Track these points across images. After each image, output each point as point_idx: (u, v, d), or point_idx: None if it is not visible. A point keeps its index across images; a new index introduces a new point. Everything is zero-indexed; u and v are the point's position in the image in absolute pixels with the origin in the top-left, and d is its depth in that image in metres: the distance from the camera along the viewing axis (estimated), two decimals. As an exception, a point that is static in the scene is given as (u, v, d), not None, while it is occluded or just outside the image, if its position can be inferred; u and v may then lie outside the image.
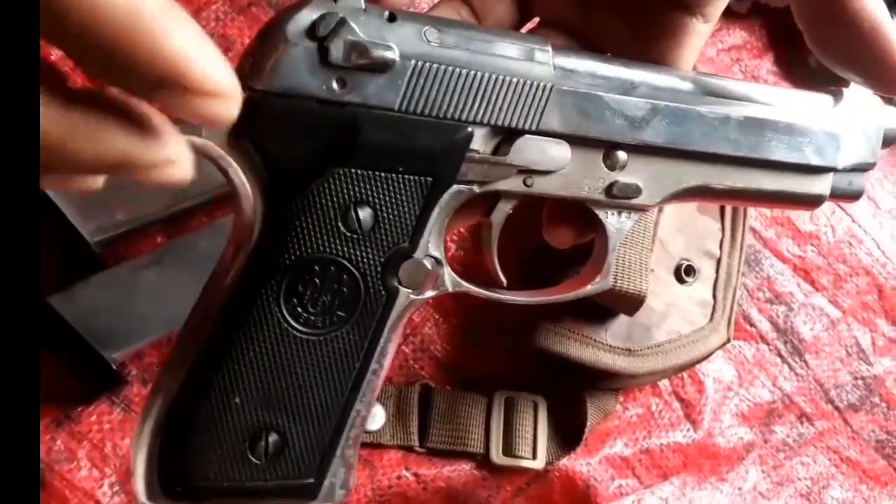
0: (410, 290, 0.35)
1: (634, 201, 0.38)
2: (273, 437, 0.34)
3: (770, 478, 0.68)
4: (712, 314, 0.64)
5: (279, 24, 0.31)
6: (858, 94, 0.40)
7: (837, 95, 0.40)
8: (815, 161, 0.39)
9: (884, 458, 0.71)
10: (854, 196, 0.42)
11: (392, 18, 0.32)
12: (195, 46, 0.22)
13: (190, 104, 0.22)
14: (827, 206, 0.75)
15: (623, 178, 0.37)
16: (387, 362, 0.36)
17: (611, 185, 0.37)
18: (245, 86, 0.30)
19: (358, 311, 0.34)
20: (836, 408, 0.71)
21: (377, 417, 0.60)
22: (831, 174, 0.40)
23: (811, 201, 0.41)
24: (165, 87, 0.22)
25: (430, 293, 0.36)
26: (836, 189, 0.41)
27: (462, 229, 0.65)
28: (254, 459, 0.33)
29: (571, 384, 0.63)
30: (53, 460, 0.55)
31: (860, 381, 0.73)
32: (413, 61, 0.32)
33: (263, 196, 0.32)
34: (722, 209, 0.68)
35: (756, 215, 0.73)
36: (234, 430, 0.33)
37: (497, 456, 0.60)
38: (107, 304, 0.55)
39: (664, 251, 0.63)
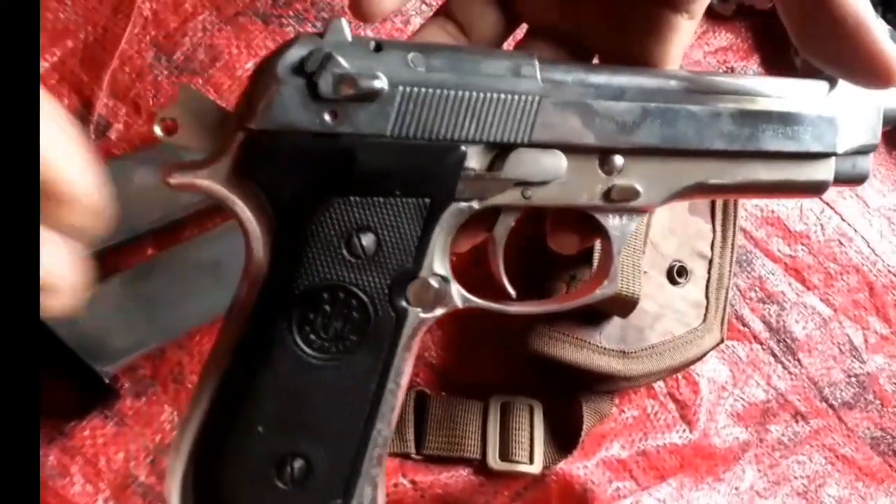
0: (420, 310, 0.36)
1: (634, 204, 0.38)
2: (298, 463, 0.34)
3: (766, 477, 0.68)
4: (705, 315, 0.65)
5: (269, 63, 0.32)
6: None
7: (833, 80, 0.40)
8: (813, 148, 0.39)
9: (879, 455, 0.71)
10: (859, 179, 0.41)
11: (378, 48, 0.33)
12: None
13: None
14: (817, 204, 0.76)
15: (621, 181, 0.37)
16: (404, 381, 0.37)
17: (609, 190, 0.37)
18: (241, 126, 0.32)
19: (369, 334, 0.35)
20: (831, 406, 0.72)
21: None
22: (833, 159, 0.40)
23: (815, 188, 0.41)
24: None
25: (440, 310, 0.36)
26: (839, 174, 0.40)
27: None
28: (281, 485, 0.34)
29: (566, 387, 0.63)
30: (47, 476, 0.54)
31: (853, 379, 0.73)
32: (401, 87, 0.33)
33: (269, 230, 0.33)
34: (713, 210, 0.68)
35: (746, 215, 0.74)
36: (260, 459, 0.34)
37: (494, 461, 0.60)
38: (98, 318, 0.55)
39: (656, 253, 0.63)
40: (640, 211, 0.38)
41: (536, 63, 0.35)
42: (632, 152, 0.37)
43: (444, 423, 0.60)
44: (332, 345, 0.34)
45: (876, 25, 0.35)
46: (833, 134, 0.39)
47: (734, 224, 0.68)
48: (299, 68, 0.32)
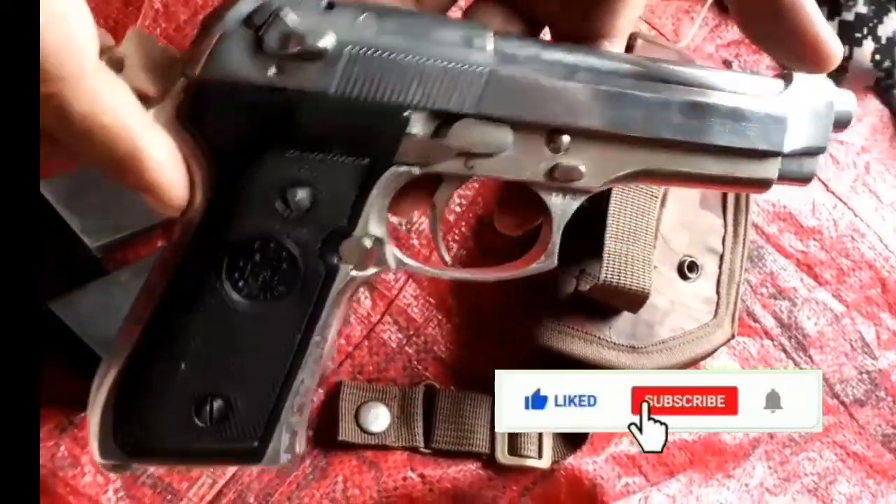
0: (351, 267, 0.36)
1: (577, 184, 0.38)
2: (218, 403, 0.35)
3: (777, 473, 0.67)
4: (716, 310, 0.64)
5: (218, 14, 0.32)
6: (809, 78, 0.39)
7: (788, 79, 0.40)
8: (760, 146, 0.39)
9: (890, 452, 0.71)
10: (804, 179, 0.41)
11: (330, 6, 0.33)
12: (161, 170, 0.31)
13: (147, 199, 0.32)
14: (829, 199, 0.75)
15: (565, 161, 0.37)
16: (330, 334, 0.37)
17: (552, 168, 0.37)
18: (185, 73, 0.32)
19: (297, 287, 0.35)
20: (842, 402, 0.71)
21: (381, 419, 0.59)
22: (779, 158, 0.40)
23: (757, 184, 0.40)
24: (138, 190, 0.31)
25: (372, 270, 0.37)
26: (785, 173, 0.40)
27: (463, 228, 0.65)
28: (199, 423, 0.35)
29: (576, 382, 0.62)
30: (57, 466, 0.55)
31: (865, 376, 0.72)
32: (349, 47, 0.33)
33: (206, 176, 0.33)
34: (724, 205, 0.67)
35: (758, 210, 0.73)
36: (181, 396, 0.35)
37: (503, 455, 0.60)
38: (108, 309, 0.55)
39: (667, 247, 0.63)
40: (583, 191, 0.38)
41: (490, 35, 0.35)
42: (579, 133, 0.37)
43: (452, 417, 0.60)
44: (259, 293, 0.35)
45: (814, 10, 0.35)
46: (781, 133, 0.39)
47: (746, 219, 0.67)
48: (247, 20, 0.32)
